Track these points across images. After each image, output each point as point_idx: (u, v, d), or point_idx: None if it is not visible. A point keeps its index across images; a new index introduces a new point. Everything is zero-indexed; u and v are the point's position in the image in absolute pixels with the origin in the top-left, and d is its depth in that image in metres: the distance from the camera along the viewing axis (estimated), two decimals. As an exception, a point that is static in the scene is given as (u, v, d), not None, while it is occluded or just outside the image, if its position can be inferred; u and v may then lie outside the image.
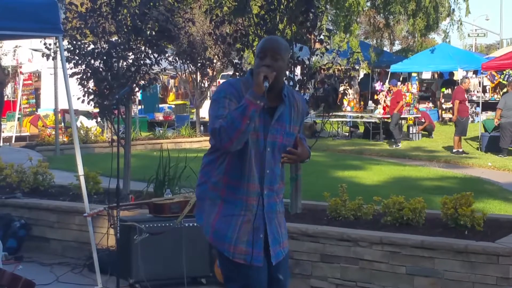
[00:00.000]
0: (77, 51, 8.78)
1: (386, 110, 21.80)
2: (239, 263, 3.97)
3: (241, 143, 3.84)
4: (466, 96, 19.15)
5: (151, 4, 8.66)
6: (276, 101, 4.00)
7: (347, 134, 23.18)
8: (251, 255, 3.97)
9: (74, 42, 8.79)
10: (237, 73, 7.93)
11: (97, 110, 9.23)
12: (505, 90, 22.13)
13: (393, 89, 21.10)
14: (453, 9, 26.60)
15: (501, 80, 25.45)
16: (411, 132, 21.80)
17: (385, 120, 21.94)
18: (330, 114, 8.37)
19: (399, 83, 21.97)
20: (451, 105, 26.56)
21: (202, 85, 20.91)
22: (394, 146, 19.60)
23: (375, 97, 24.60)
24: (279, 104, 4.00)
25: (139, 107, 24.85)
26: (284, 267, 4.19)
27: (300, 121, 4.16)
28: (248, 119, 3.78)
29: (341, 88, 8.15)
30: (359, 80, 30.57)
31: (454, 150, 17.75)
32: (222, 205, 4.00)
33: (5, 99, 21.02)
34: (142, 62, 8.97)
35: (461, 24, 26.56)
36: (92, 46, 8.86)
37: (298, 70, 7.72)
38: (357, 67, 29.79)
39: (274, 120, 3.98)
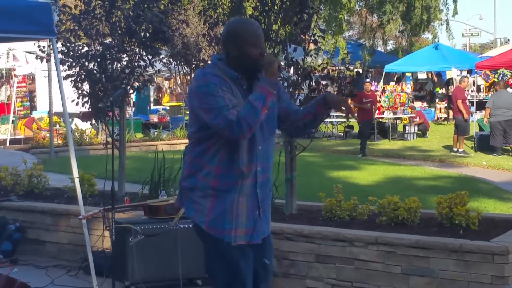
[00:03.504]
0: (71, 53, 8.78)
1: (380, 110, 21.82)
2: (239, 246, 4.01)
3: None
4: (465, 95, 19.22)
5: (145, 6, 8.66)
6: (254, 79, 4.05)
7: (342, 134, 23.20)
8: (251, 234, 4.06)
9: (68, 44, 8.79)
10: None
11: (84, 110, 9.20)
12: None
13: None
14: (442, 10, 26.71)
15: (495, 80, 25.46)
16: (406, 132, 21.83)
17: (380, 120, 21.97)
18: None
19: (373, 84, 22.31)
20: (446, 105, 26.77)
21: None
22: None
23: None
24: (256, 81, 4.04)
25: (133, 109, 24.84)
26: (271, 254, 4.32)
27: (279, 89, 4.19)
28: (267, 109, 3.86)
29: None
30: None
31: (454, 149, 17.75)
32: (214, 194, 4.01)
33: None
34: (136, 64, 8.98)
35: (447, 24, 26.67)
36: (86, 48, 8.86)
37: (291, 70, 7.72)
38: (351, 67, 29.83)
39: None
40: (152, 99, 30.12)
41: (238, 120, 3.78)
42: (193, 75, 20.22)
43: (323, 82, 7.76)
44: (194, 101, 3.97)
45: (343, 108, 4.11)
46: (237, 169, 3.98)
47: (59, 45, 8.56)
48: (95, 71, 8.80)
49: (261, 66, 3.97)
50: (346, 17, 26.00)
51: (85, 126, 18.96)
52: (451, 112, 24.40)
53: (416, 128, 22.09)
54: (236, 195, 4.01)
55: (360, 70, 32.17)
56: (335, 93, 7.73)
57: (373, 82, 25.22)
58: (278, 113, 4.16)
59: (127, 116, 16.84)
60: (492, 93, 23.66)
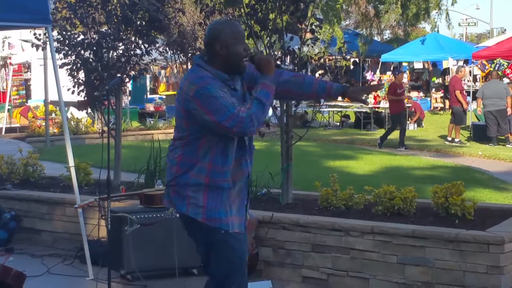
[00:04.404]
0: (67, 41, 8.75)
1: (377, 100, 21.80)
2: (235, 233, 4.13)
3: None
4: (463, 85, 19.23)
5: (141, -6, 8.62)
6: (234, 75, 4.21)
7: (338, 124, 23.19)
8: (244, 223, 4.22)
9: (64, 32, 8.76)
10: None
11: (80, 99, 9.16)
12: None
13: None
14: (441, -1, 26.69)
15: (491, 69, 25.50)
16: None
17: (376, 110, 21.96)
18: (321, 104, 8.37)
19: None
20: (442, 94, 26.76)
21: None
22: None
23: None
24: (233, 76, 4.19)
25: (129, 97, 24.79)
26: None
27: (252, 77, 4.24)
28: (270, 104, 4.10)
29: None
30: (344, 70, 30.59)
31: (449, 138, 17.77)
32: (207, 189, 4.12)
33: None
34: (132, 52, 8.95)
35: (447, 14, 26.62)
36: (82, 36, 8.83)
37: (288, 60, 7.70)
38: (348, 57, 29.80)
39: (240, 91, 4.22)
40: (148, 88, 30.04)
41: (249, 116, 3.94)
42: (189, 63, 20.20)
43: (319, 72, 7.74)
44: (193, 105, 4.02)
45: (363, 99, 4.35)
46: (229, 165, 4.12)
47: (54, 33, 8.52)
48: (91, 60, 8.77)
49: (256, 64, 4.12)
50: (344, 7, 25.92)
51: (81, 115, 18.93)
52: (447, 102, 24.40)
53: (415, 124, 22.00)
54: (228, 189, 4.14)
55: (357, 60, 32.12)
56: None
57: (369, 72, 25.16)
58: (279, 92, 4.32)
59: (123, 105, 16.82)
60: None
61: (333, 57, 25.67)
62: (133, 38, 8.98)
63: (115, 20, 8.71)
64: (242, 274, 4.21)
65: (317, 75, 8.25)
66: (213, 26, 4.20)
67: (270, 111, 16.45)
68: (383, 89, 21.57)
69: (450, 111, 18.88)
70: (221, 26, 4.17)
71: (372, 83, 22.90)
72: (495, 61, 23.82)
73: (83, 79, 8.90)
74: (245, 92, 4.22)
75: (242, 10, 7.65)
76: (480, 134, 18.04)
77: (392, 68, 28.83)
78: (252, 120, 3.95)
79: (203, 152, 4.10)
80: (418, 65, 32.70)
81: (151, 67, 23.95)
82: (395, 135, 19.73)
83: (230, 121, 3.93)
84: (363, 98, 4.33)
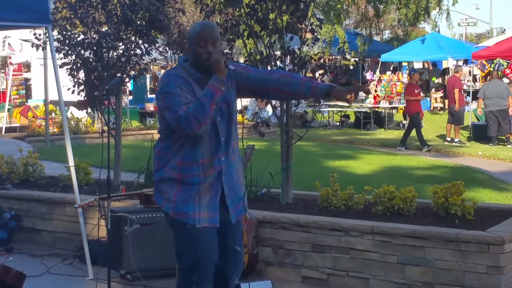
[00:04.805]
0: (67, 41, 8.75)
1: (376, 99, 21.80)
2: (203, 228, 4.29)
3: (209, 126, 4.20)
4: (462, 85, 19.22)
5: (141, -6, 8.62)
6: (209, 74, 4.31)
7: (338, 123, 23.20)
8: (214, 218, 4.33)
9: (64, 32, 8.76)
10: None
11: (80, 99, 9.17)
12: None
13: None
14: (442, -1, 26.62)
15: (491, 69, 25.51)
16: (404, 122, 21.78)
17: (376, 109, 21.96)
18: (321, 103, 8.37)
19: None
20: (442, 94, 26.75)
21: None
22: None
23: (366, 86, 24.56)
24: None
25: (130, 97, 24.78)
26: (240, 239, 4.56)
27: (240, 76, 4.41)
28: (215, 104, 4.16)
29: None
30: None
31: (448, 139, 17.76)
32: (179, 185, 4.31)
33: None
34: (132, 52, 8.95)
35: (448, 13, 26.59)
36: (82, 36, 8.82)
37: (288, 60, 7.71)
38: (348, 57, 29.79)
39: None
40: (148, 88, 30.06)
41: (186, 116, 4.09)
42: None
43: (319, 72, 7.75)
44: (159, 101, 4.35)
45: (348, 98, 4.34)
46: (198, 161, 4.28)
47: (55, 33, 8.52)
48: (91, 59, 8.77)
49: (210, 65, 4.25)
50: (344, 7, 25.85)
51: (81, 114, 18.93)
52: (447, 102, 24.38)
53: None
54: (199, 185, 4.30)
55: (357, 60, 32.12)
56: (329, 82, 7.74)
57: (369, 72, 25.15)
58: (255, 89, 4.48)
59: (123, 104, 16.81)
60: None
61: (333, 57, 25.66)
62: (133, 38, 8.98)
63: (115, 20, 8.71)
64: (204, 276, 4.34)
65: (317, 75, 8.25)
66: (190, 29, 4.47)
67: (270, 111, 16.45)
68: (382, 89, 21.59)
69: (447, 110, 18.86)
70: (192, 28, 4.41)
71: (371, 83, 22.88)
72: (494, 61, 23.84)
73: (83, 79, 8.90)
74: (229, 92, 4.38)
75: (242, 10, 7.65)
76: (480, 134, 18.04)
77: (391, 68, 28.86)
78: (189, 119, 4.08)
79: (176, 149, 4.31)
80: (418, 65, 32.69)
81: (151, 67, 23.97)
82: (390, 135, 19.76)
83: (174, 119, 4.15)
84: (348, 97, 4.35)
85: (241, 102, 17.38)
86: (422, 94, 18.14)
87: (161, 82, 4.33)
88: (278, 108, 7.69)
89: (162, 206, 4.42)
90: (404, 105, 21.90)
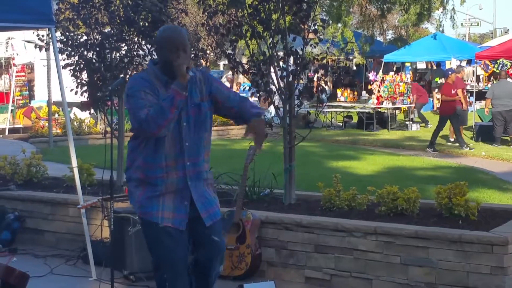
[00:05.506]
0: (70, 42, 8.75)
1: (380, 100, 21.79)
2: (166, 227, 4.40)
3: (169, 129, 4.30)
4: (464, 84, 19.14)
5: (144, -6, 8.62)
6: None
7: (341, 124, 23.19)
8: (179, 220, 4.43)
9: (67, 33, 8.76)
10: (231, 64, 7.91)
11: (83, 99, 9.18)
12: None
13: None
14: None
15: (495, 70, 25.48)
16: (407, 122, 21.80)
17: (379, 110, 21.95)
18: (324, 104, 8.36)
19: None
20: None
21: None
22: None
23: (369, 87, 24.58)
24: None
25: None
26: (219, 230, 4.64)
27: (212, 88, 4.57)
28: (175, 108, 4.26)
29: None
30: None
31: (451, 139, 17.73)
32: (143, 185, 4.45)
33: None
34: (135, 53, 8.95)
35: (454, 13, 26.52)
36: (85, 37, 8.83)
37: (291, 60, 7.70)
38: (351, 57, 29.76)
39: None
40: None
41: (146, 119, 4.22)
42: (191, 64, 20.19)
43: (321, 72, 7.74)
44: (125, 103, 4.49)
45: (254, 136, 4.59)
46: (161, 164, 4.40)
47: (58, 34, 8.53)
48: (94, 60, 8.77)
49: (173, 70, 4.35)
50: (348, 8, 25.79)
51: (84, 115, 18.94)
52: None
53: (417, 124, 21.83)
54: (162, 186, 4.41)
55: (360, 61, 32.07)
56: (331, 84, 7.75)
57: (373, 72, 25.15)
58: (227, 111, 4.67)
59: (126, 105, 16.80)
60: (491, 83, 23.62)
61: (336, 57, 25.63)
62: (136, 39, 8.97)
63: (118, 21, 8.71)
64: (174, 272, 4.42)
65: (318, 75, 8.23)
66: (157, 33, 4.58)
67: (273, 112, 16.42)
68: (385, 89, 21.56)
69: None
70: (159, 33, 4.51)
71: (375, 83, 22.85)
72: (498, 61, 23.80)
73: (86, 80, 8.90)
74: (203, 101, 4.49)
75: (245, 11, 7.65)
76: (483, 135, 17.99)
77: (395, 69, 28.83)
78: (149, 122, 4.21)
79: (140, 150, 4.44)
80: (421, 65, 32.66)
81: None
82: (393, 135, 19.70)
83: (135, 121, 4.29)
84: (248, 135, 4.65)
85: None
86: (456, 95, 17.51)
87: (128, 84, 4.48)
88: (281, 109, 7.68)
89: (132, 205, 4.59)
90: (408, 105, 21.98)
